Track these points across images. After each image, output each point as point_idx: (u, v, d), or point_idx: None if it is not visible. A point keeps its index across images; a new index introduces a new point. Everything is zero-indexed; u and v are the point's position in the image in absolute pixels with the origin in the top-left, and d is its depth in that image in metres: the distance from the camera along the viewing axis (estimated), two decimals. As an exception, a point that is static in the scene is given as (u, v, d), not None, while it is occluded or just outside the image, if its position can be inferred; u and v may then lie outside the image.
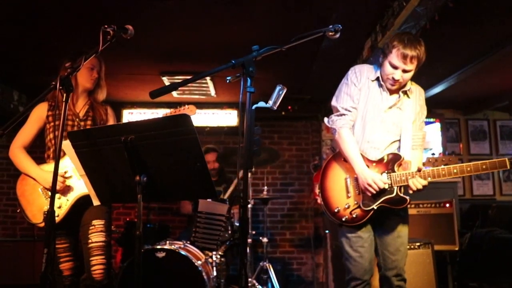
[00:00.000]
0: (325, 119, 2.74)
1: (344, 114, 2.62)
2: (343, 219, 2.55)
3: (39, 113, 2.86)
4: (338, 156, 2.67)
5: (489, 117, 6.76)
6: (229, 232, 4.21)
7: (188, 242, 3.98)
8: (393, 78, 2.51)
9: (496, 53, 4.32)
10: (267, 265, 4.63)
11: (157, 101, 6.08)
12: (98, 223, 2.73)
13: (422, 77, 5.08)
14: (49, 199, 2.66)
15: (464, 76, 5.01)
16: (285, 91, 2.43)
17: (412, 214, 4.43)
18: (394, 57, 2.46)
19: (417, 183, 2.43)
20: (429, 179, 2.43)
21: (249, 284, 4.23)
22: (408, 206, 4.35)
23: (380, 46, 3.74)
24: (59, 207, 2.70)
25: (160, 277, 3.60)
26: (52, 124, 2.80)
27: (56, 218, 2.65)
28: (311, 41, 2.09)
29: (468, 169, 2.39)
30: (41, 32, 3.98)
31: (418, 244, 3.81)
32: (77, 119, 2.84)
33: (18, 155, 2.82)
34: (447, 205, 4.43)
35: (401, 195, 2.49)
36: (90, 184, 2.06)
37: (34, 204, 2.75)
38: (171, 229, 5.33)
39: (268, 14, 3.66)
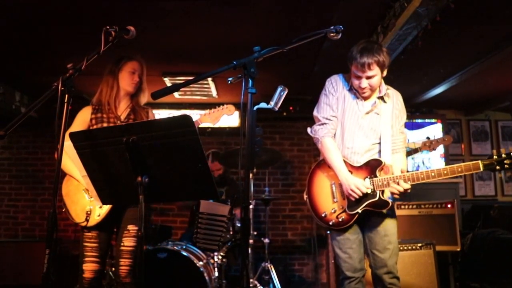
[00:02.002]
0: (308, 129, 2.82)
1: (325, 123, 2.71)
2: (330, 223, 2.64)
3: (83, 117, 2.91)
4: (323, 163, 2.76)
5: (491, 117, 6.75)
6: (231, 232, 4.21)
7: (190, 243, 3.98)
8: (360, 87, 2.60)
9: (498, 54, 4.32)
10: (269, 265, 4.63)
11: (159, 102, 6.09)
12: (132, 229, 2.79)
13: (424, 78, 5.13)
14: (91, 199, 2.74)
15: (465, 76, 5.01)
16: (286, 91, 2.43)
17: (414, 215, 4.43)
18: (354, 68, 2.57)
19: (399, 187, 2.48)
20: (409, 182, 2.49)
21: (251, 285, 4.23)
22: (410, 206, 4.42)
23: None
24: (100, 207, 2.75)
25: (162, 278, 3.60)
26: (95, 127, 2.84)
27: (97, 218, 2.74)
28: (312, 42, 2.10)
29: (445, 172, 2.45)
30: (43, 33, 3.99)
31: (420, 244, 3.81)
32: (119, 122, 2.87)
33: (64, 158, 2.85)
34: (449, 205, 4.43)
35: (384, 198, 2.56)
36: (91, 185, 2.06)
37: (78, 204, 2.81)
38: (172, 230, 5.33)
39: (270, 15, 3.67)
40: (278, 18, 3.73)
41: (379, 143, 2.67)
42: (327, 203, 2.67)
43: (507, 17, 3.61)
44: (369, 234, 2.66)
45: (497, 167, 2.42)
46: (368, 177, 2.58)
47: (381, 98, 2.69)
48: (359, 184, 2.52)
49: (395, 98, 2.74)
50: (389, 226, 2.64)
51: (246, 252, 1.87)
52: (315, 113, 2.77)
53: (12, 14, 3.59)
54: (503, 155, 2.41)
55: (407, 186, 2.48)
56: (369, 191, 2.54)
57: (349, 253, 2.63)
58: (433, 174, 2.46)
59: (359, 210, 2.57)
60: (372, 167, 2.59)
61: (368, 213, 2.61)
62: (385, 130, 2.66)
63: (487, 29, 3.88)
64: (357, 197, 2.54)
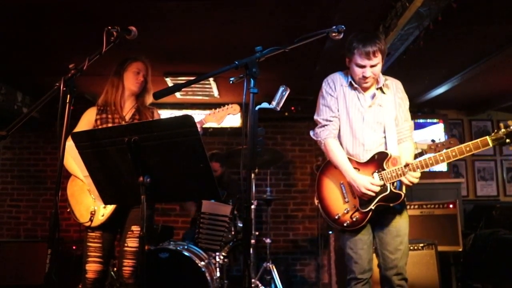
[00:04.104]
0: (310, 132, 2.81)
1: (326, 125, 2.69)
2: (345, 224, 2.60)
3: (88, 117, 2.94)
4: (328, 164, 2.73)
5: (493, 117, 6.73)
6: (232, 233, 4.21)
7: (192, 243, 3.98)
8: (363, 76, 2.57)
9: (500, 54, 4.31)
10: (270, 266, 4.63)
11: (161, 102, 6.09)
12: (136, 229, 2.79)
13: (426, 78, 5.12)
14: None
15: (467, 76, 5.00)
16: (288, 92, 2.44)
17: (416, 215, 4.43)
18: (358, 57, 2.54)
19: (409, 177, 2.47)
20: (419, 170, 2.47)
21: (253, 285, 4.23)
22: (412, 207, 4.41)
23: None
24: (104, 207, 2.76)
25: (163, 278, 3.60)
26: (100, 128, 2.85)
27: (101, 218, 2.75)
28: (314, 42, 2.10)
29: (453, 153, 2.41)
30: (45, 33, 3.99)
31: (421, 245, 3.80)
32: (123, 122, 2.89)
33: (68, 158, 2.88)
34: (451, 206, 4.42)
35: (395, 191, 2.53)
36: (93, 185, 2.06)
37: (82, 204, 2.82)
38: (174, 230, 5.33)
39: (271, 15, 3.67)
40: (279, 18, 3.73)
41: (385, 136, 2.64)
42: (339, 204, 2.63)
43: (510, 17, 3.60)
44: (380, 233, 2.63)
45: (507, 140, 2.37)
46: (376, 171, 2.55)
47: (380, 89, 2.67)
48: (368, 185, 2.49)
49: (395, 87, 2.71)
50: (401, 227, 2.61)
51: (248, 252, 1.87)
52: (315, 117, 2.76)
53: (13, 14, 3.60)
54: (511, 127, 2.36)
55: (417, 175, 2.46)
56: (379, 188, 2.50)
57: (360, 254, 2.60)
58: (441, 158, 2.43)
59: (372, 207, 2.53)
60: (379, 161, 2.56)
61: (381, 212, 2.58)
62: (389, 121, 2.63)
63: (489, 29, 3.87)
64: (370, 197, 2.51)
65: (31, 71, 5.03)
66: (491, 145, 2.38)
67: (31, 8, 3.47)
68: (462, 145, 2.41)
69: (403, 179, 2.48)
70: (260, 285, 4.35)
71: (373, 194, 2.50)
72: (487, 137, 2.38)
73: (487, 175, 6.64)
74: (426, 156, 2.48)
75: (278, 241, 6.39)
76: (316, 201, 2.76)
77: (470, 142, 2.39)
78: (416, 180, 2.47)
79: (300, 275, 6.41)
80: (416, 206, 4.49)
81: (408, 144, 2.70)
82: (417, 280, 3.68)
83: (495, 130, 2.41)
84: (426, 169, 2.46)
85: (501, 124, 2.39)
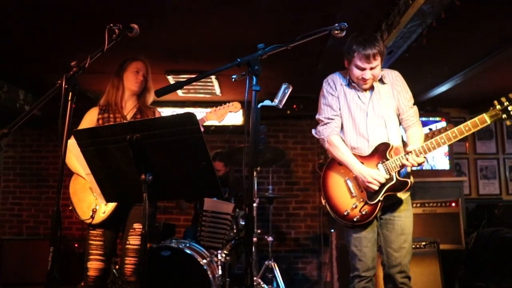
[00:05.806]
0: (313, 131, 2.83)
1: (328, 123, 2.72)
2: (355, 219, 2.59)
3: (90, 117, 2.96)
4: (332, 162, 2.74)
5: (496, 115, 6.70)
6: (234, 231, 4.21)
7: (194, 240, 3.99)
8: (363, 78, 2.59)
9: (503, 52, 4.30)
10: (272, 264, 4.64)
11: (162, 100, 6.09)
12: (138, 227, 2.80)
13: (428, 76, 5.11)
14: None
15: (470, 74, 4.99)
16: (290, 89, 2.43)
17: (418, 214, 4.42)
18: (357, 60, 2.55)
19: (411, 160, 2.48)
20: (422, 155, 2.48)
21: (255, 283, 4.23)
22: (415, 205, 4.40)
23: (386, 45, 3.73)
24: (106, 205, 2.76)
25: (165, 275, 3.60)
26: (101, 125, 2.85)
27: (103, 215, 2.76)
28: (316, 39, 2.09)
29: (454, 134, 2.44)
30: (47, 31, 3.99)
31: (423, 243, 3.79)
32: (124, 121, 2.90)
33: (70, 156, 2.88)
34: (453, 204, 4.41)
35: (402, 179, 2.55)
36: (95, 183, 2.06)
37: (85, 201, 2.83)
38: (176, 228, 5.34)
39: (274, 12, 3.66)
40: (281, 16, 3.72)
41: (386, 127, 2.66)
42: (346, 200, 2.63)
43: (513, 14, 3.59)
44: (385, 231, 2.64)
45: (504, 116, 2.42)
46: (380, 162, 2.57)
47: (380, 80, 2.68)
48: (375, 175, 2.51)
49: (391, 77, 2.72)
50: (406, 225, 2.62)
51: (249, 250, 1.86)
52: (317, 116, 2.79)
53: (15, 12, 3.60)
54: (505, 103, 2.40)
55: (420, 160, 2.48)
56: (386, 179, 2.52)
57: (365, 252, 2.61)
58: (442, 140, 2.45)
59: (380, 198, 2.54)
60: (382, 152, 2.58)
61: (386, 208, 2.60)
62: (387, 112, 2.65)
63: (493, 27, 3.85)
64: (376, 188, 2.51)
65: (33, 69, 5.03)
66: (488, 122, 2.42)
67: (32, 5, 3.47)
68: (461, 125, 2.43)
69: (405, 162, 2.49)
70: (262, 283, 4.35)
71: (378, 185, 2.51)
72: (484, 114, 2.42)
73: (490, 174, 6.62)
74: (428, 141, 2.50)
75: (280, 239, 6.39)
76: (323, 201, 2.75)
77: (468, 122, 2.42)
78: (418, 161, 2.47)
79: (302, 273, 6.41)
80: (418, 205, 4.48)
81: (416, 129, 2.72)
82: (419, 278, 3.67)
83: (491, 107, 2.45)
84: (430, 152, 2.48)
85: (495, 102, 2.44)
